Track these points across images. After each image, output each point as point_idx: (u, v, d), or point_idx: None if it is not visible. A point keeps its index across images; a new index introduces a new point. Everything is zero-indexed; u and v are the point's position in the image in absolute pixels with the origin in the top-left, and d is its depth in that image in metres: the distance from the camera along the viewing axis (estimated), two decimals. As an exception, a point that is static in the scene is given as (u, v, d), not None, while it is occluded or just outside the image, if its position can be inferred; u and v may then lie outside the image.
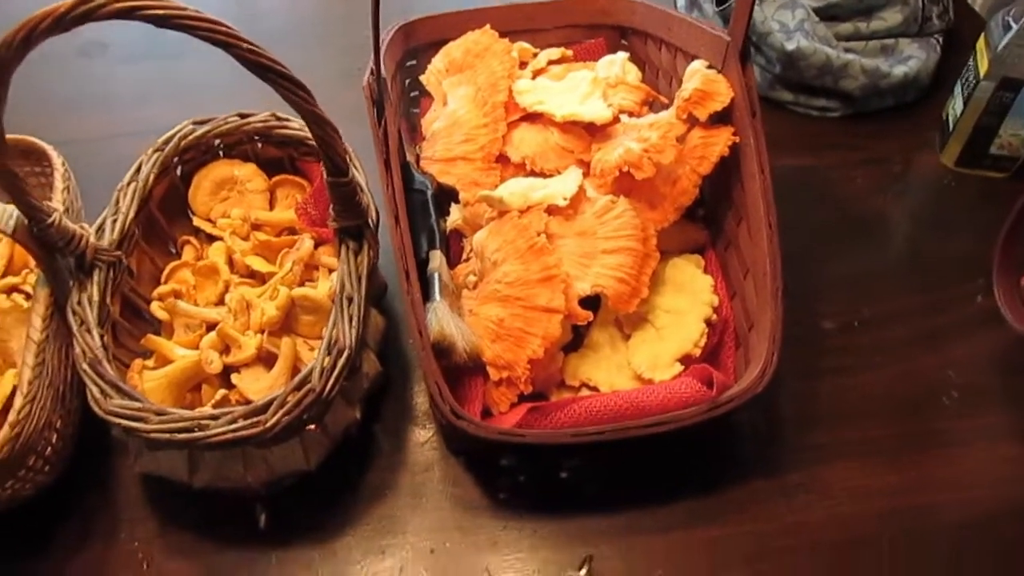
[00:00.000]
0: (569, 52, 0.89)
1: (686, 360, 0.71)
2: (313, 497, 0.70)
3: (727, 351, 0.74)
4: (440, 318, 0.67)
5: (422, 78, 0.88)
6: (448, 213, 0.79)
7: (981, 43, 0.87)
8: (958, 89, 0.92)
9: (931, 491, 0.70)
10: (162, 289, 0.74)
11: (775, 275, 0.67)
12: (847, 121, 1.00)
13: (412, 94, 0.91)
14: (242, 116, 0.78)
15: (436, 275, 0.71)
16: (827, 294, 0.83)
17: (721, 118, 0.74)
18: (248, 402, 0.66)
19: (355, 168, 0.70)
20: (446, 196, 0.79)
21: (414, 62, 0.89)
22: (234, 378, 0.68)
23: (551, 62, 0.88)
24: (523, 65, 0.87)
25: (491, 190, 0.74)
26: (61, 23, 0.51)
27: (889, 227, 0.90)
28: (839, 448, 0.73)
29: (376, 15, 0.68)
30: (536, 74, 0.86)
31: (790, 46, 0.94)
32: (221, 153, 0.81)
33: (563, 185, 0.74)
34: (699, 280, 0.75)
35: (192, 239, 0.79)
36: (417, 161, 0.82)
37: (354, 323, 0.64)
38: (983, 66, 0.85)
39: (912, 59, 0.97)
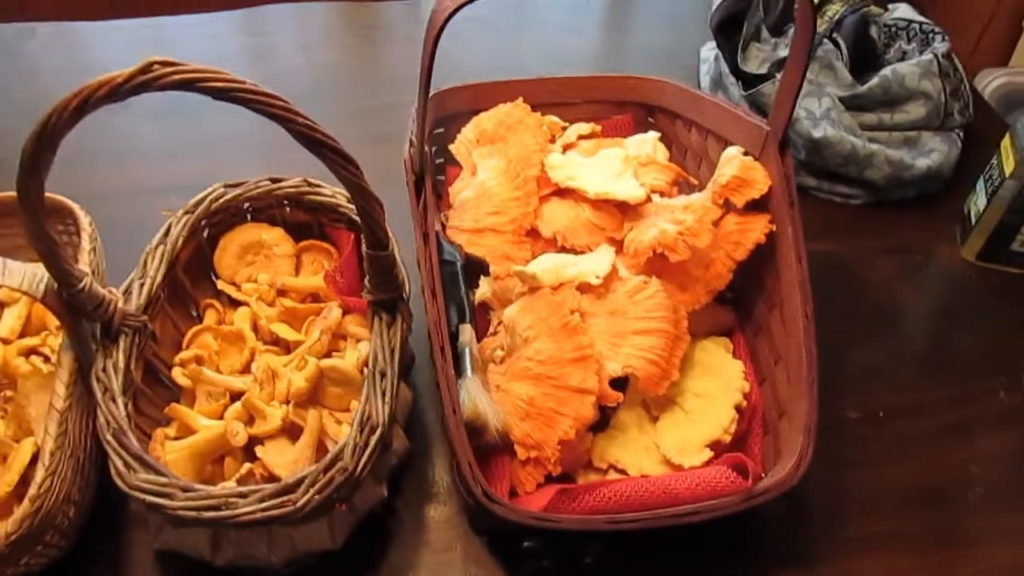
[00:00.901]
0: (598, 128, 0.89)
1: (716, 446, 0.70)
2: (332, 576, 0.67)
3: (755, 438, 0.72)
4: (473, 396, 0.65)
5: (451, 147, 0.88)
6: (476, 285, 0.78)
7: (1006, 143, 0.88)
8: (981, 185, 0.93)
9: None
10: (184, 355, 0.72)
11: (811, 366, 0.66)
12: (869, 208, 1.01)
13: (438, 161, 0.91)
14: (273, 180, 0.77)
15: (467, 350, 0.70)
16: (851, 383, 0.83)
17: (756, 205, 0.74)
18: (272, 476, 0.64)
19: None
20: (474, 267, 0.78)
21: (441, 130, 0.89)
22: (258, 451, 0.66)
23: (581, 137, 0.88)
24: (552, 139, 0.87)
25: (523, 265, 0.74)
26: (117, 93, 0.50)
27: (910, 317, 0.91)
28: (867, 542, 0.71)
29: (425, 91, 0.68)
30: (565, 148, 0.86)
31: (817, 133, 0.95)
32: (249, 216, 0.79)
33: (596, 263, 0.74)
34: (730, 365, 0.74)
35: (215, 303, 0.77)
36: (443, 229, 0.81)
37: (387, 399, 0.62)
38: (1009, 166, 0.86)
39: (935, 152, 0.99)
